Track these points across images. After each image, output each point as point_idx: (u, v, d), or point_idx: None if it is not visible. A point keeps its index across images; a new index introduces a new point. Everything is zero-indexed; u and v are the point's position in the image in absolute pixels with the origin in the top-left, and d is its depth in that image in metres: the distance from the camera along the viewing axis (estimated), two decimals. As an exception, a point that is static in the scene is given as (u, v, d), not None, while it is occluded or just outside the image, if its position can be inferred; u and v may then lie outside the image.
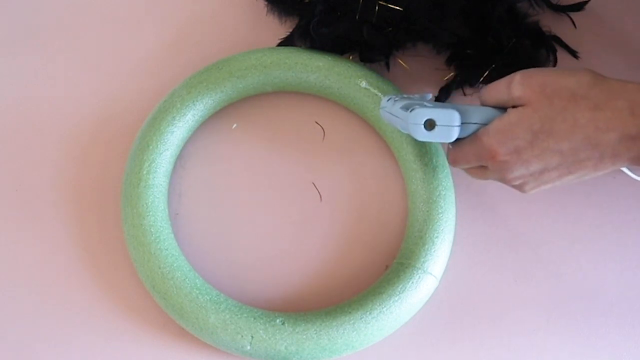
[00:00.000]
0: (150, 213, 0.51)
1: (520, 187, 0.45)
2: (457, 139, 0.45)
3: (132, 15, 0.61)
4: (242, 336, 0.48)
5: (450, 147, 0.48)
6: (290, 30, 0.59)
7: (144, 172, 0.52)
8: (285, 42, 0.58)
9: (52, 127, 0.57)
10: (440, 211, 0.52)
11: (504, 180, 0.45)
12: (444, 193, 0.53)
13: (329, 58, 0.56)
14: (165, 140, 0.53)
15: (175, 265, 0.50)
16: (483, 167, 0.46)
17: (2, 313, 0.52)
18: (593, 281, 0.55)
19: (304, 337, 0.48)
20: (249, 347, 0.48)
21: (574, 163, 0.42)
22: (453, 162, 0.48)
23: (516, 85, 0.42)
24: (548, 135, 0.41)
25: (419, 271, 0.50)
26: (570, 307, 0.54)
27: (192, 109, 0.55)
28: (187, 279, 0.50)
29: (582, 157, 0.41)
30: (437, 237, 0.52)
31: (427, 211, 0.52)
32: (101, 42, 0.60)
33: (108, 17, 0.60)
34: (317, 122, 0.58)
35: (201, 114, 0.55)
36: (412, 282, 0.50)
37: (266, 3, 0.60)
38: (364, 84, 0.56)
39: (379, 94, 0.55)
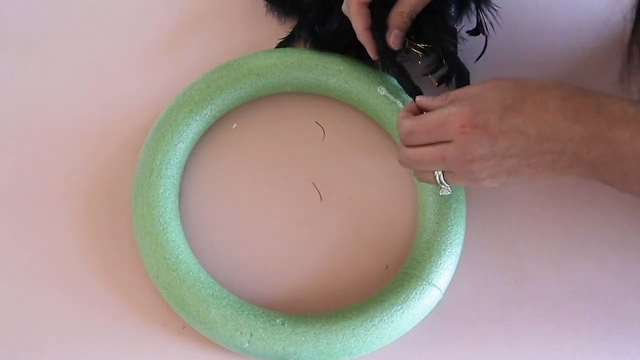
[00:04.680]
0: (160, 204, 0.52)
1: (477, 174, 0.43)
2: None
3: (132, 14, 0.62)
4: (241, 333, 0.48)
5: (408, 121, 0.46)
6: (290, 30, 0.59)
7: (157, 163, 0.53)
8: (285, 42, 0.59)
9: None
10: (450, 224, 0.52)
11: (464, 162, 0.43)
12: (455, 206, 0.52)
13: (350, 62, 0.56)
14: (181, 132, 0.54)
15: (180, 257, 0.50)
16: (441, 152, 0.44)
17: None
18: (593, 281, 0.54)
19: (303, 339, 0.48)
20: (247, 345, 0.48)
21: (536, 154, 0.41)
22: (408, 134, 0.45)
23: (491, 79, 0.44)
24: (518, 113, 0.41)
25: (424, 282, 0.50)
26: (571, 307, 0.53)
27: (209, 103, 0.55)
28: (191, 272, 0.50)
29: (544, 147, 0.41)
30: (444, 249, 0.51)
31: (437, 223, 0.52)
32: (100, 40, 0.61)
33: (109, 17, 0.62)
34: (317, 122, 0.58)
35: (218, 109, 0.56)
36: (416, 293, 0.50)
37: (266, 3, 0.60)
38: (383, 91, 0.55)
39: (397, 101, 0.55)
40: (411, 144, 0.46)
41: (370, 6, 0.52)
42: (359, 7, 0.51)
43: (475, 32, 0.56)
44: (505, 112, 0.41)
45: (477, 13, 0.56)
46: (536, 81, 0.42)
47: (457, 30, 0.56)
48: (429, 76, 0.56)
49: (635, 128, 0.39)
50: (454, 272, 0.52)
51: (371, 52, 0.53)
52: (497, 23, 0.56)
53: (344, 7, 0.52)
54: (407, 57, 0.55)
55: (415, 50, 0.54)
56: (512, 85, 0.42)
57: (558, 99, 0.41)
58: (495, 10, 0.56)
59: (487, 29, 0.56)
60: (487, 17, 0.56)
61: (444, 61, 0.54)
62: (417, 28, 0.53)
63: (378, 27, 0.52)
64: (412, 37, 0.53)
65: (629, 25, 0.40)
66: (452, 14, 0.55)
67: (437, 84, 0.56)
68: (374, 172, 0.57)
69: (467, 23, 0.57)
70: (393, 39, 0.51)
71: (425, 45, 0.54)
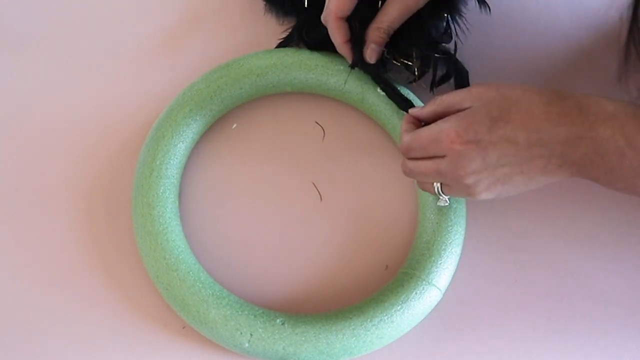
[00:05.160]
0: (160, 204, 0.52)
1: (473, 188, 0.45)
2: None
3: (132, 14, 0.62)
4: (241, 333, 0.48)
5: (407, 136, 0.48)
6: (289, 30, 0.59)
7: (157, 163, 0.53)
8: (285, 42, 0.59)
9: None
10: (450, 224, 0.52)
11: (458, 177, 0.44)
12: (454, 206, 0.52)
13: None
14: (181, 132, 0.54)
15: (180, 257, 0.50)
16: (436, 166, 0.45)
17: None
18: (593, 281, 0.54)
19: (303, 339, 0.48)
20: (247, 345, 0.48)
21: (527, 160, 0.42)
22: (407, 150, 0.47)
23: (475, 86, 0.45)
24: (506, 122, 0.42)
25: (424, 282, 0.50)
26: (570, 307, 0.53)
27: (209, 103, 0.55)
28: (191, 272, 0.50)
29: (534, 153, 0.42)
30: (444, 249, 0.51)
31: (437, 223, 0.52)
32: (100, 40, 0.61)
33: (109, 17, 0.62)
34: (317, 122, 0.58)
35: (218, 109, 0.56)
36: (416, 293, 0.50)
37: (264, 3, 0.60)
38: (382, 90, 0.56)
39: (396, 101, 0.55)
40: (410, 157, 0.48)
41: (348, 20, 0.53)
42: (337, 21, 0.52)
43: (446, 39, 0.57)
44: (494, 123, 0.42)
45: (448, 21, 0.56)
46: (517, 88, 0.44)
47: (438, 37, 0.56)
48: (414, 83, 0.56)
49: (616, 125, 0.40)
50: (454, 272, 0.52)
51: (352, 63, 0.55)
52: (466, 28, 0.56)
53: (323, 18, 0.53)
54: (388, 69, 0.56)
55: (396, 63, 0.55)
56: (496, 95, 0.44)
57: (541, 105, 0.42)
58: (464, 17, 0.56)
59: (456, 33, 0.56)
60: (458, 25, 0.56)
61: (416, 73, 0.55)
62: (395, 41, 0.53)
63: (357, 41, 0.53)
64: (391, 49, 0.54)
65: (626, 25, 0.41)
66: (437, 26, 0.56)
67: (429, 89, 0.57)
68: (374, 172, 0.57)
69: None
70: (369, 54, 0.53)
71: (403, 59, 0.55)
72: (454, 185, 0.46)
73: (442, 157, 0.45)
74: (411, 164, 0.48)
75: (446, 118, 0.45)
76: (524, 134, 0.42)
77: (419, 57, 0.55)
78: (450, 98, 0.46)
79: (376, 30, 0.52)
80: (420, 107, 0.50)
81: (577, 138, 0.41)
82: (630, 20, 0.41)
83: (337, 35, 0.53)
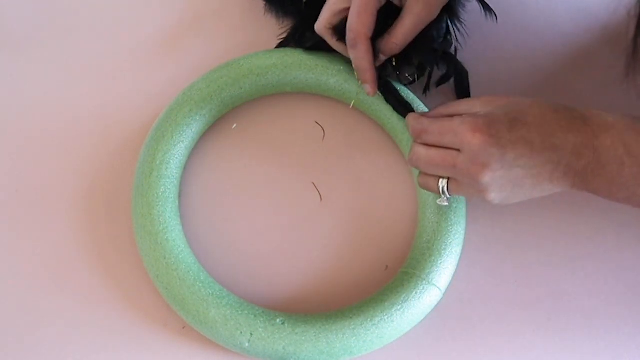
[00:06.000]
0: (160, 203, 0.52)
1: (486, 186, 0.44)
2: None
3: (132, 15, 0.62)
4: (241, 332, 0.48)
5: (423, 119, 0.47)
6: (289, 30, 0.59)
7: (157, 162, 0.53)
8: (285, 42, 0.59)
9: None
10: (450, 223, 0.52)
11: (473, 173, 0.44)
12: (454, 205, 0.52)
13: (350, 62, 0.56)
14: (181, 132, 0.54)
15: (180, 257, 0.50)
16: (452, 159, 0.44)
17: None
18: (593, 281, 0.54)
19: (303, 338, 0.48)
20: (247, 345, 0.48)
21: (539, 164, 0.43)
22: (420, 132, 0.47)
23: (484, 95, 0.46)
24: (523, 124, 0.43)
25: (424, 282, 0.50)
26: (571, 307, 0.54)
27: (209, 103, 0.55)
28: (191, 271, 0.50)
29: (546, 157, 0.43)
30: (444, 249, 0.51)
31: (437, 222, 0.52)
32: (101, 40, 0.61)
33: (109, 17, 0.62)
34: (317, 122, 0.58)
35: (218, 109, 0.56)
36: (416, 293, 0.50)
37: (264, 3, 0.60)
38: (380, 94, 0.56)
39: (396, 101, 0.55)
40: (422, 141, 0.47)
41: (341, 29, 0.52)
42: (367, 42, 0.50)
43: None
44: (513, 124, 0.43)
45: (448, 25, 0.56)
46: (525, 98, 0.45)
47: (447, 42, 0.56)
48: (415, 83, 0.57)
49: (615, 135, 0.42)
50: (454, 272, 0.52)
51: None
52: (466, 32, 0.56)
53: (317, 28, 0.53)
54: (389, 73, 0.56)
55: (396, 66, 0.55)
56: (507, 101, 0.45)
57: (550, 111, 0.43)
58: (462, 23, 0.56)
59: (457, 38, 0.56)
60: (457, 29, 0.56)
61: (415, 75, 0.56)
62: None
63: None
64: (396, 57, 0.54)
65: (634, 21, 0.41)
66: (439, 29, 0.56)
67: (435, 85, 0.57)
68: (374, 172, 0.57)
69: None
70: (376, 64, 0.52)
71: (403, 62, 0.55)
72: (466, 183, 0.45)
73: (458, 150, 0.44)
74: (423, 150, 0.46)
75: (466, 114, 0.45)
76: (540, 137, 0.42)
77: (420, 60, 0.55)
78: (458, 104, 0.47)
79: (391, 44, 0.51)
80: (424, 112, 0.50)
81: (582, 146, 0.42)
82: (638, 16, 0.41)
83: (368, 59, 0.51)
